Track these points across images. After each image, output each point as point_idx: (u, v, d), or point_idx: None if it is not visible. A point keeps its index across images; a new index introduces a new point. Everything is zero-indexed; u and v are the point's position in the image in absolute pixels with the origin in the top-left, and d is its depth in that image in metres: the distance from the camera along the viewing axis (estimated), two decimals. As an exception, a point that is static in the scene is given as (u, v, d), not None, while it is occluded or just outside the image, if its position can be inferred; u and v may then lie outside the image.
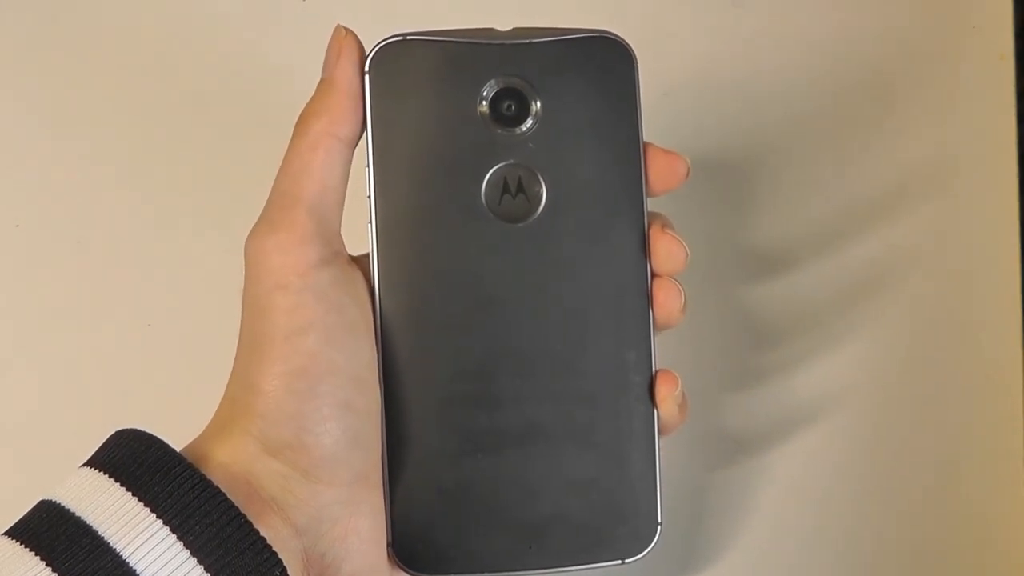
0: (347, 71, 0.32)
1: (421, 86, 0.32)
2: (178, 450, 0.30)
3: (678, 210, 0.35)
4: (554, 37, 0.33)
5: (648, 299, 0.33)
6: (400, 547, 0.33)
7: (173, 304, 0.44)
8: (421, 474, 0.33)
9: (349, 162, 0.32)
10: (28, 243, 0.45)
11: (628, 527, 0.33)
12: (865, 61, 0.47)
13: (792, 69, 0.46)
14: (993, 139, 0.46)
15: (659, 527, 0.33)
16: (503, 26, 0.33)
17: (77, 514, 0.28)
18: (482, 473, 0.33)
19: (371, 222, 0.32)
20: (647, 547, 0.33)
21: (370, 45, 0.32)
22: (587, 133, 0.33)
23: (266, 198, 0.32)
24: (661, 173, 0.33)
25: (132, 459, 0.29)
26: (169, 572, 0.27)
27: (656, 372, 0.33)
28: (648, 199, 0.33)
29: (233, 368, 0.32)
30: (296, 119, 0.32)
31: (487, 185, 0.33)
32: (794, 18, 0.47)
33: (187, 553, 0.27)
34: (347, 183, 0.32)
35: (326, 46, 0.32)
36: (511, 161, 0.33)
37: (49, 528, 0.28)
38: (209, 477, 0.29)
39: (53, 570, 0.27)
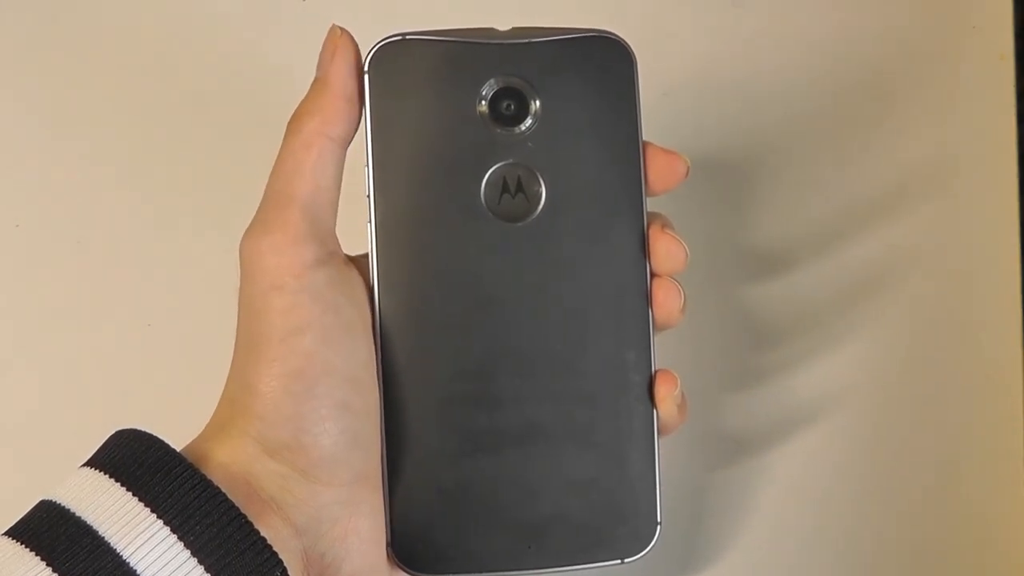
0: (341, 71, 0.32)
1: (420, 86, 0.32)
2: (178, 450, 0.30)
3: (678, 210, 0.35)
4: (553, 37, 0.33)
5: (648, 299, 0.33)
6: (400, 547, 0.33)
7: (173, 304, 0.44)
8: (420, 474, 0.33)
9: (342, 162, 0.32)
10: (28, 243, 0.45)
11: (628, 527, 0.33)
12: (865, 61, 0.47)
13: (792, 69, 0.46)
14: (993, 139, 0.46)
15: (659, 527, 0.33)
16: (503, 26, 0.33)
17: (77, 514, 0.28)
18: (481, 473, 0.33)
19: (370, 221, 0.32)
20: (647, 547, 0.33)
21: (369, 45, 0.32)
22: (587, 133, 0.33)
23: (265, 198, 0.32)
24: (661, 172, 0.33)
25: (132, 459, 0.29)
26: (169, 572, 0.27)
27: (655, 372, 0.33)
28: (648, 199, 0.33)
29: (231, 368, 0.32)
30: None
31: (486, 185, 0.33)
32: (794, 18, 0.47)
33: (187, 553, 0.27)
34: (341, 183, 0.32)
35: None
36: (510, 161, 0.33)
37: (49, 528, 0.28)
38: (209, 477, 0.29)
39: (53, 570, 0.27)
